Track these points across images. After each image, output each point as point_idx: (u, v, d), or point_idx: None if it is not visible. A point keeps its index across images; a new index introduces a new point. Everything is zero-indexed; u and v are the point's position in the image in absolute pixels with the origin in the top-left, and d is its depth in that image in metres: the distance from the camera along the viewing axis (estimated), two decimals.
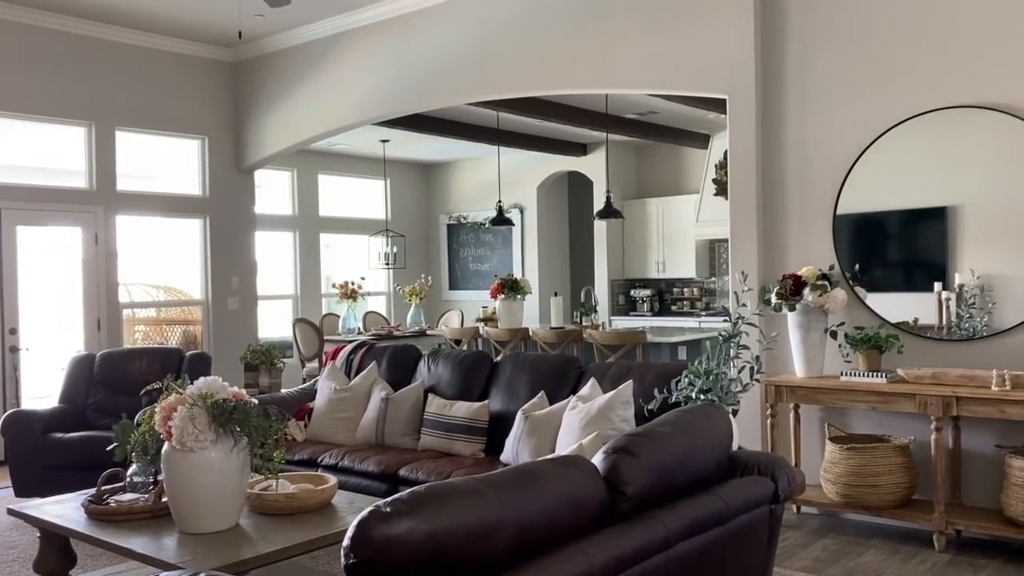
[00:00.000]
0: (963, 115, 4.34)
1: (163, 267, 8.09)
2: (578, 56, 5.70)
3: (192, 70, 7.76)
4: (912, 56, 4.49)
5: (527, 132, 9.79)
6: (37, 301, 6.94)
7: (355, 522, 1.61)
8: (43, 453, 5.05)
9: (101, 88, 7.19)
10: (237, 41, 7.59)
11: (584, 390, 4.00)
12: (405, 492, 1.70)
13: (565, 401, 4.03)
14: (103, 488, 3.37)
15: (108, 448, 3.36)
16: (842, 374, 4.47)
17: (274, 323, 10.12)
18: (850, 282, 4.68)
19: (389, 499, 1.68)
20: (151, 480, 3.36)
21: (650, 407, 3.65)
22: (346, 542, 1.61)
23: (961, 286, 4.39)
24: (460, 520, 1.68)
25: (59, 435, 5.15)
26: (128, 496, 3.33)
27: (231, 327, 7.99)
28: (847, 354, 4.53)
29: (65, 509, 3.34)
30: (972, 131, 4.34)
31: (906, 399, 4.19)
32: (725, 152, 8.80)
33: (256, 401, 3.13)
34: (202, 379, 3.07)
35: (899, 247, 4.74)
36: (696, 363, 3.59)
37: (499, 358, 4.84)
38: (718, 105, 6.69)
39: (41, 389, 6.64)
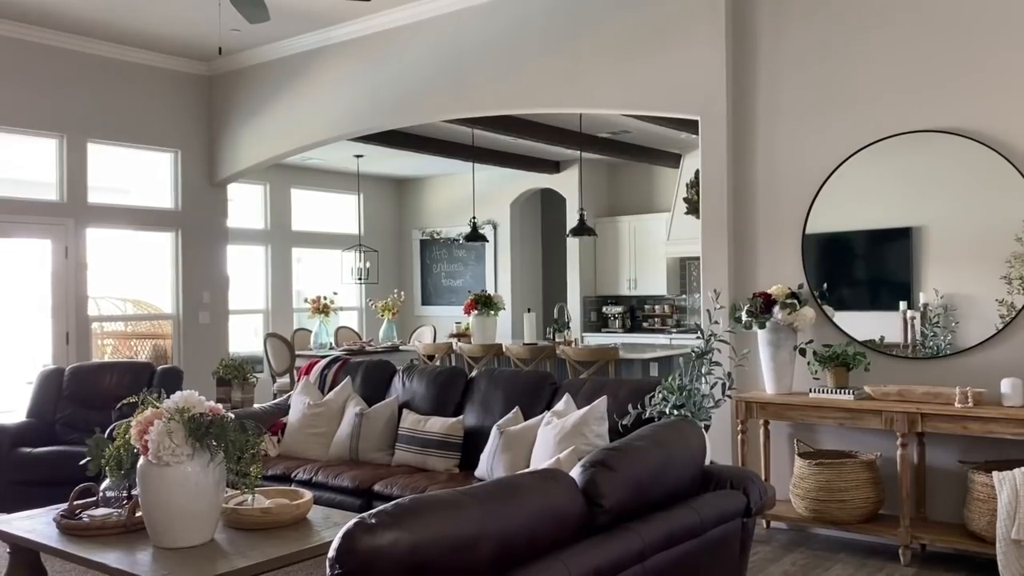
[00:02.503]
0: (927, 139, 4.47)
1: (133, 280, 8.02)
2: (553, 76, 5.78)
3: (166, 83, 7.73)
4: (879, 81, 4.62)
5: (501, 149, 9.86)
6: (3, 313, 6.85)
7: (340, 533, 1.63)
8: (11, 468, 4.98)
9: (73, 100, 7.15)
10: (212, 55, 7.58)
11: (559, 406, 4.04)
12: (389, 504, 1.73)
13: (540, 417, 4.06)
14: (75, 503, 3.34)
15: (81, 463, 3.34)
16: (811, 391, 4.56)
17: (243, 338, 10.05)
18: (818, 300, 4.78)
19: (374, 511, 1.70)
20: (125, 495, 3.34)
21: (624, 422, 3.70)
22: (331, 553, 1.63)
23: (925, 305, 4.51)
24: (443, 532, 1.71)
25: (27, 450, 5.08)
26: (101, 511, 3.30)
27: (202, 341, 7.93)
28: (815, 371, 4.62)
29: (36, 524, 3.31)
30: (936, 154, 4.47)
31: (873, 416, 4.28)
32: (696, 171, 8.94)
33: (233, 416, 3.13)
34: (179, 393, 3.07)
35: (866, 266, 4.86)
36: (670, 379, 3.65)
37: (474, 374, 4.86)
38: (689, 125, 6.81)
39: (5, 403, 6.53)
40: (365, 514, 1.70)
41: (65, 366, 5.93)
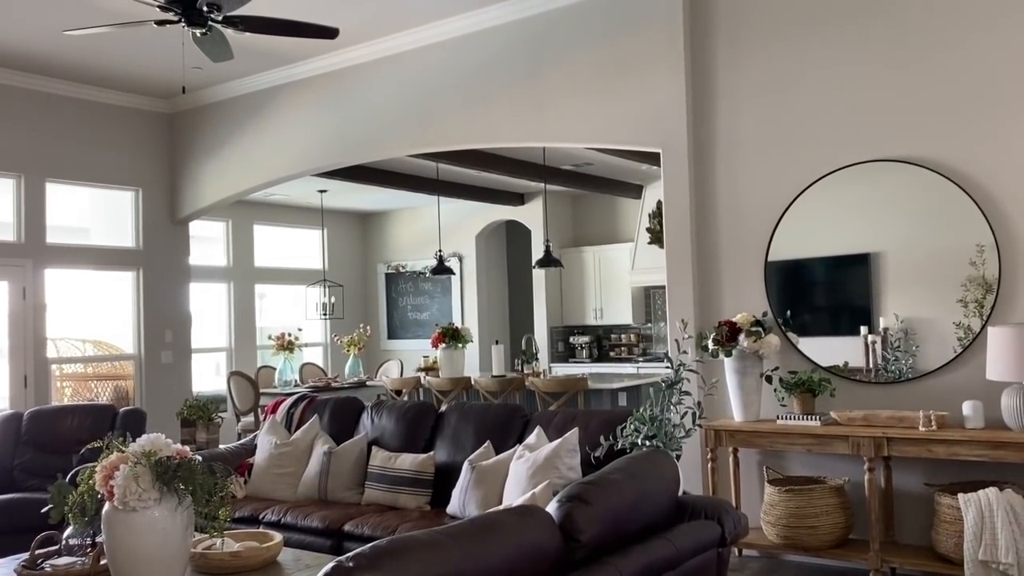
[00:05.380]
0: (883, 168, 4.59)
1: (92, 321, 7.87)
2: (517, 111, 5.85)
3: (126, 121, 7.67)
4: (835, 113, 4.74)
5: (465, 182, 9.91)
6: None
7: None
8: None
9: (31, 139, 7.05)
10: (172, 92, 7.55)
11: (530, 439, 4.03)
12: (367, 546, 1.71)
13: (511, 451, 4.05)
14: (37, 552, 3.24)
15: (43, 510, 3.24)
16: (778, 418, 4.61)
17: (206, 376, 9.89)
18: (782, 328, 4.85)
19: (351, 553, 1.68)
20: (88, 542, 3.25)
21: (596, 454, 3.70)
22: None
23: (886, 330, 4.59)
24: (422, 573, 1.70)
25: None
26: (64, 560, 3.20)
27: (164, 382, 7.79)
28: (782, 398, 4.67)
29: None
30: (892, 183, 4.59)
31: (840, 441, 4.33)
32: (658, 202, 9.05)
33: (200, 458, 3.08)
34: (145, 436, 3.01)
35: (827, 293, 4.94)
36: (641, 410, 3.66)
37: (444, 408, 4.84)
38: (651, 157, 6.92)
39: None
40: (343, 557, 1.68)
41: (23, 410, 5.78)
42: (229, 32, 4.57)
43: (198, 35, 4.47)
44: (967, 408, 4.13)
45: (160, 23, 4.41)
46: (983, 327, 4.26)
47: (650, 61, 5.24)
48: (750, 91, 5.01)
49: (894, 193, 4.60)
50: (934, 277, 4.47)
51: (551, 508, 2.23)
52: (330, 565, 1.64)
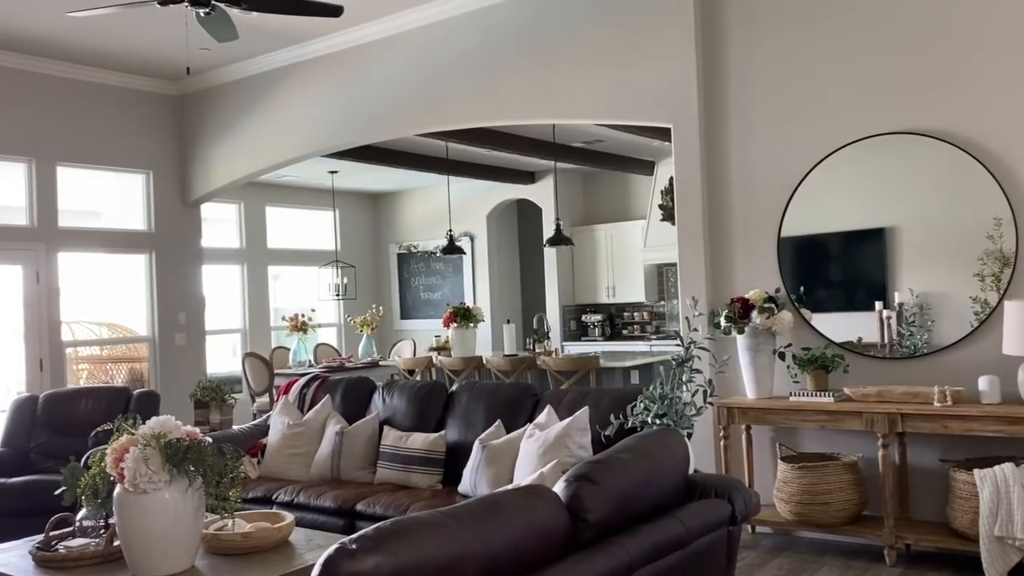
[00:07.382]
0: (898, 141, 4.52)
1: (107, 304, 7.91)
2: (526, 88, 5.79)
3: (136, 104, 7.66)
4: (849, 86, 4.66)
5: (475, 161, 9.86)
6: None
7: (321, 560, 1.60)
8: None
9: (42, 123, 7.06)
10: (182, 74, 7.53)
11: (541, 418, 4.02)
12: (370, 528, 1.70)
13: (522, 429, 4.04)
14: (51, 534, 3.27)
15: (56, 492, 3.27)
16: (791, 394, 4.57)
17: (220, 358, 9.94)
18: (795, 304, 4.80)
19: (355, 535, 1.67)
20: (102, 524, 3.27)
21: (607, 433, 3.69)
22: None
23: (901, 305, 4.54)
24: (426, 554, 1.69)
25: (1, 480, 4.98)
26: (78, 541, 3.24)
27: (179, 364, 7.84)
28: (795, 375, 4.64)
29: (11, 557, 3.24)
30: (906, 156, 4.51)
31: (853, 417, 4.30)
32: (670, 178, 8.97)
33: (210, 440, 3.09)
34: (154, 419, 3.02)
35: (841, 268, 4.89)
36: (651, 388, 3.64)
37: (454, 388, 4.83)
38: (662, 133, 6.85)
39: None
40: (346, 539, 1.67)
41: (39, 393, 5.83)
42: (234, 12, 4.54)
43: (202, 15, 4.44)
44: (983, 383, 4.08)
45: (163, 3, 4.37)
46: (1000, 301, 4.20)
47: (660, 34, 5.17)
48: (762, 63, 4.93)
49: (909, 166, 4.53)
50: (950, 251, 4.40)
51: (558, 488, 2.21)
52: (333, 548, 1.63)
